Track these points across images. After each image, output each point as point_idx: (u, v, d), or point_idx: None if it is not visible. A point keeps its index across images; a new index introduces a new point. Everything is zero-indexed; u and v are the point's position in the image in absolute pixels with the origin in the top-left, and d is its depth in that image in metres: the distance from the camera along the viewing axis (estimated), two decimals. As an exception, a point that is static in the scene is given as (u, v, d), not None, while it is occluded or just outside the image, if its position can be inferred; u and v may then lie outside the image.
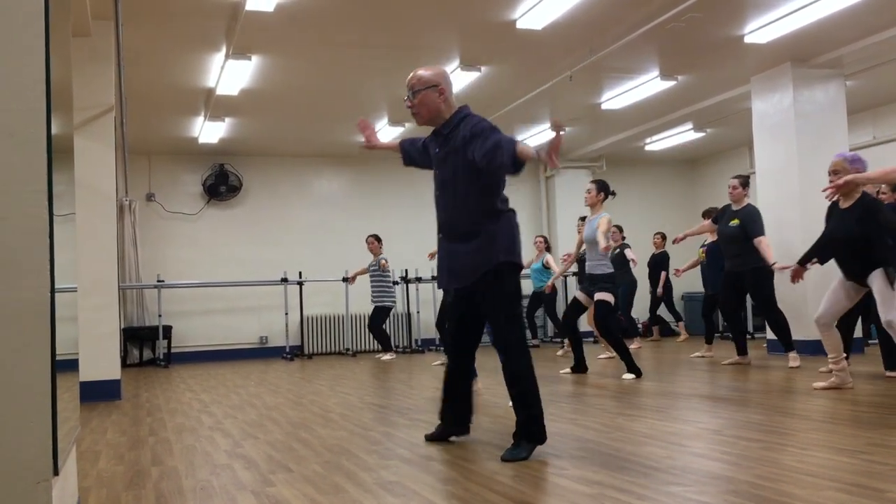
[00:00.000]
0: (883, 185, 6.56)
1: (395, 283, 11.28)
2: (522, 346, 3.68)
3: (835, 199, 5.39)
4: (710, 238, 8.86)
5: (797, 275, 5.70)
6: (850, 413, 4.41)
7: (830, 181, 5.31)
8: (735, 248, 7.32)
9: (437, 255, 4.03)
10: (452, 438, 4.07)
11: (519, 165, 3.47)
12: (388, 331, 11.17)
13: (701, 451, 3.48)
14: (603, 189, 6.95)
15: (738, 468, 3.11)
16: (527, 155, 3.44)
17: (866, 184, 5.10)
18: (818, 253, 5.65)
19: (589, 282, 7.06)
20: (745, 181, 7.50)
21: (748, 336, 10.92)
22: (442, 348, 10.85)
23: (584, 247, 7.13)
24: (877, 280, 5.12)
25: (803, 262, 5.71)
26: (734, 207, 7.48)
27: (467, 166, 3.70)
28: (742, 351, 7.61)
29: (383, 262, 10.49)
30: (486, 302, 3.76)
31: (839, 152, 5.57)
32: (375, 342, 11.88)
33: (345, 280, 11.74)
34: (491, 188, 3.74)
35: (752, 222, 7.24)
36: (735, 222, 7.35)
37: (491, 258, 3.69)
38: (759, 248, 7.08)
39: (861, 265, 5.20)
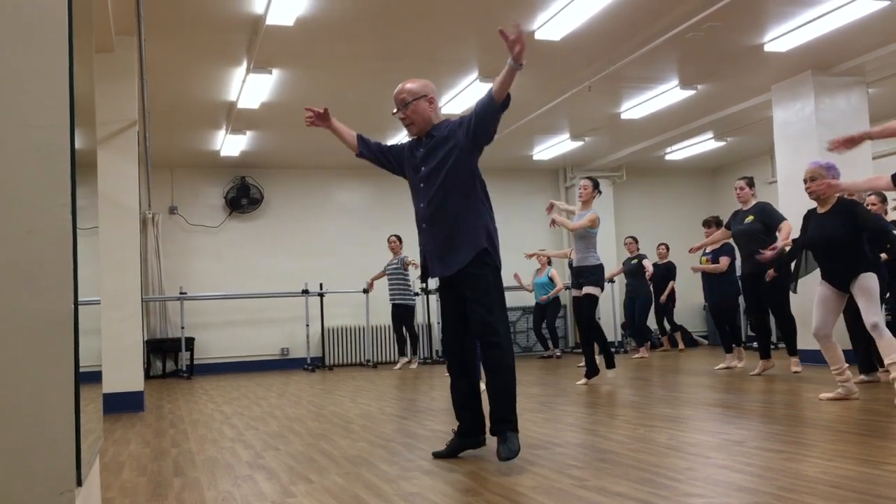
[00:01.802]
0: (872, 196, 6.61)
1: (416, 294, 11.30)
2: (505, 337, 3.73)
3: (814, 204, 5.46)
4: (712, 247, 8.86)
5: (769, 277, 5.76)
6: (875, 423, 4.36)
7: (807, 188, 5.35)
8: (754, 246, 7.19)
9: (420, 249, 4.06)
10: (464, 454, 3.97)
11: (501, 97, 3.66)
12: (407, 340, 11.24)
13: (723, 463, 3.45)
14: (596, 186, 7.39)
15: (761, 479, 3.08)
16: (500, 82, 3.60)
17: (851, 192, 5.09)
18: (795, 257, 5.73)
19: (576, 275, 7.25)
20: (750, 181, 7.58)
21: (772, 346, 10.85)
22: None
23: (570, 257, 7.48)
24: (861, 283, 5.13)
25: (784, 266, 5.73)
26: (744, 208, 7.51)
27: (454, 155, 3.82)
28: (766, 355, 7.57)
29: (410, 259, 10.50)
30: (468, 288, 3.79)
31: (813, 160, 5.60)
32: (396, 351, 11.88)
33: (365, 291, 11.77)
34: (472, 177, 3.86)
35: (769, 214, 7.29)
36: (750, 219, 7.36)
37: (475, 245, 3.79)
38: (783, 231, 7.04)
39: (844, 269, 5.23)
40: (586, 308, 7.14)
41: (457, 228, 3.83)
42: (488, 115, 3.73)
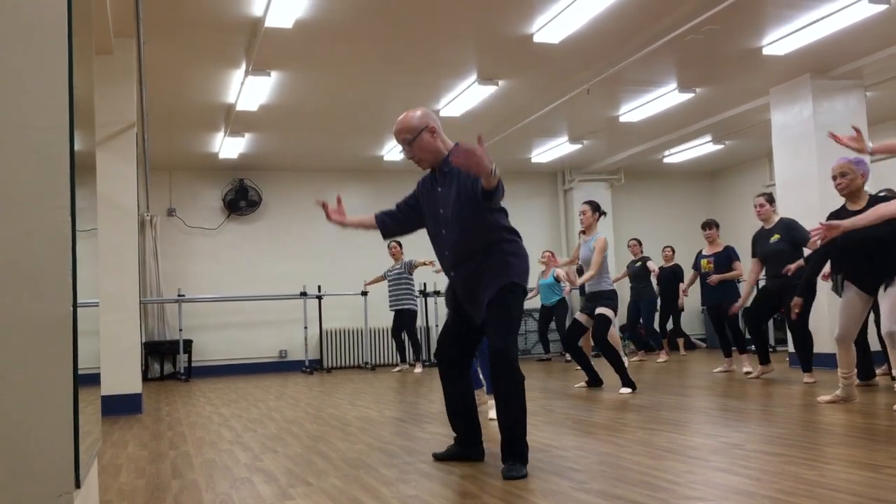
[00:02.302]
0: None
1: (426, 294, 11.27)
2: (516, 367, 3.59)
3: (840, 204, 5.28)
4: (710, 249, 8.70)
5: (797, 306, 5.79)
6: (873, 427, 4.36)
7: (837, 184, 5.19)
8: (782, 266, 6.90)
9: (450, 293, 3.93)
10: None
11: (489, 188, 3.43)
12: (406, 344, 11.20)
13: (721, 466, 3.45)
14: (597, 209, 7.20)
15: (759, 483, 3.08)
16: (483, 183, 3.42)
17: (856, 227, 4.78)
18: (823, 263, 5.59)
19: (588, 300, 7.03)
20: (770, 198, 7.35)
21: (770, 349, 10.84)
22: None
23: (578, 263, 7.26)
24: (893, 288, 4.95)
25: (809, 287, 5.71)
26: (767, 227, 7.26)
27: (473, 196, 3.64)
28: (765, 360, 7.48)
29: (420, 261, 10.34)
30: (490, 316, 3.65)
31: (842, 156, 5.38)
32: (397, 355, 11.88)
33: (364, 294, 11.77)
34: (496, 216, 3.70)
35: (796, 230, 7.02)
36: (776, 237, 7.11)
37: (505, 278, 3.65)
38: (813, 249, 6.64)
39: (876, 271, 5.03)
40: (599, 330, 6.89)
41: (484, 271, 3.68)
42: (485, 196, 3.53)
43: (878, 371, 6.75)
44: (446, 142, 3.83)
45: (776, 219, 7.27)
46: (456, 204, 3.71)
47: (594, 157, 12.66)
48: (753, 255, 7.40)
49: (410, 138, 3.74)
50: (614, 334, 8.72)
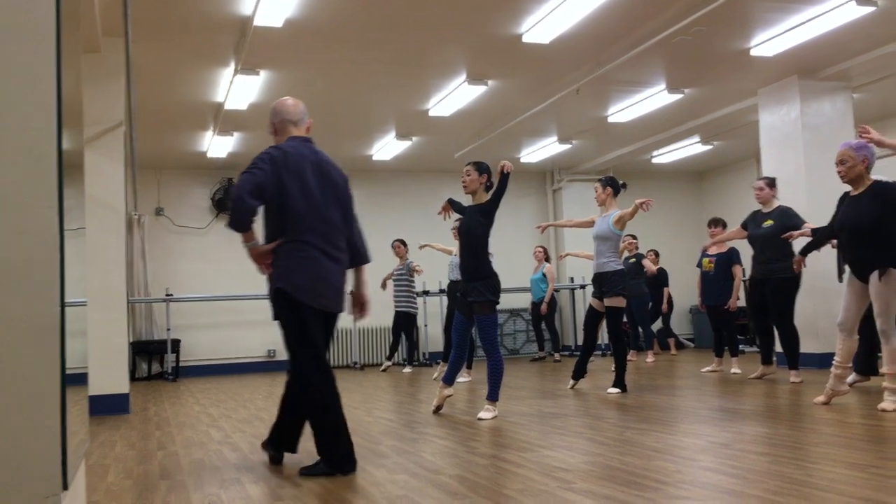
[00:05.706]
0: None
1: (417, 294, 11.20)
2: (302, 380, 3.71)
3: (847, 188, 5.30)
4: (715, 248, 8.62)
5: (798, 264, 5.86)
6: (861, 427, 4.39)
7: (838, 171, 5.15)
8: (769, 251, 6.90)
9: None
10: (454, 456, 3.94)
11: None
12: (400, 343, 11.12)
13: (710, 465, 3.46)
14: (610, 184, 6.91)
15: (747, 482, 3.10)
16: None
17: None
18: (820, 243, 5.60)
19: (598, 283, 6.77)
20: (771, 182, 7.21)
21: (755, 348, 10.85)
22: (440, 361, 10.82)
23: (594, 236, 6.93)
24: (877, 282, 4.90)
25: (805, 252, 5.71)
26: (764, 210, 7.16)
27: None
28: (767, 360, 7.38)
29: (416, 265, 10.28)
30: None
31: (844, 142, 5.34)
32: (385, 355, 11.85)
33: (351, 293, 11.72)
34: (271, 213, 3.94)
35: (791, 218, 6.87)
36: (769, 223, 6.99)
37: (272, 285, 3.83)
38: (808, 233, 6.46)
39: (865, 259, 4.97)
40: (611, 322, 6.66)
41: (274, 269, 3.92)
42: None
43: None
44: (287, 133, 3.99)
45: (775, 203, 7.16)
46: None
47: (583, 157, 12.69)
48: (742, 226, 7.34)
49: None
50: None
